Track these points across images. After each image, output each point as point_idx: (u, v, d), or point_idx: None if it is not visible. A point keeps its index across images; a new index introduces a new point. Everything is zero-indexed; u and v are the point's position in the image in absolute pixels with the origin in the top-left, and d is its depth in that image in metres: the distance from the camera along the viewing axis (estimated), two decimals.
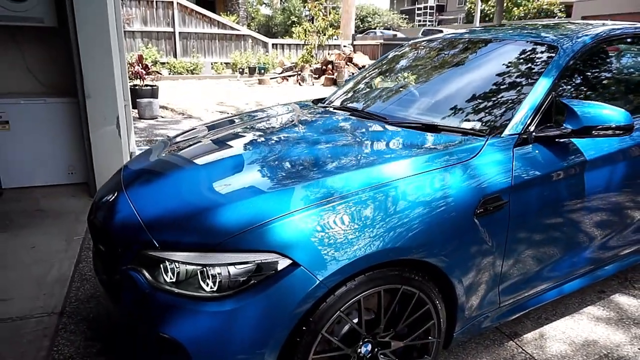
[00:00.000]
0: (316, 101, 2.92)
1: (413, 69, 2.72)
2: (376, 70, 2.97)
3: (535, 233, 1.87)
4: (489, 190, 1.67)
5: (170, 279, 1.42)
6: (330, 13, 16.39)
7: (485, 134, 1.86)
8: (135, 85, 7.49)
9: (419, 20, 42.85)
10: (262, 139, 2.22)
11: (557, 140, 1.87)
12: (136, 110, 7.18)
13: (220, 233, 1.41)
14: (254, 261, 1.35)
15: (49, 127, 3.92)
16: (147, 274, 1.46)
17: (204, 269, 1.37)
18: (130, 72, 7.27)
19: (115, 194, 1.84)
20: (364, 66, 13.92)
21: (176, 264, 1.41)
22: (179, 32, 14.88)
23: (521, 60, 2.17)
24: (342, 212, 1.45)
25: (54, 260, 2.73)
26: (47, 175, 4.04)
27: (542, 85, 1.93)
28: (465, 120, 2.01)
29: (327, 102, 2.83)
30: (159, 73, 8.09)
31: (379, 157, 1.76)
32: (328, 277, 1.36)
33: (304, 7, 25.32)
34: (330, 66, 14.34)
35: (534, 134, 1.84)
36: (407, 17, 39.78)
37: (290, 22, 25.89)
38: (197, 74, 14.64)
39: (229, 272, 1.35)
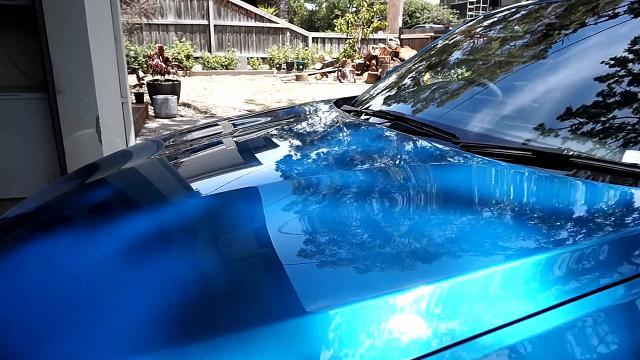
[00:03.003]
0: (341, 102, 1.95)
1: (494, 54, 1.70)
2: (433, 57, 1.97)
3: None
4: None
5: None
6: (376, 3, 15.31)
7: None
8: (155, 80, 6.79)
9: (470, 16, 40.81)
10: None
11: None
12: (153, 108, 6.48)
13: None
14: None
15: (24, 128, 3.23)
16: None
17: None
18: (148, 66, 6.59)
19: None
20: None
21: None
22: (214, 25, 14.22)
23: None
24: None
25: None
26: (24, 185, 3.38)
27: None
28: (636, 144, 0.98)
29: (358, 103, 1.86)
30: (179, 67, 7.33)
31: (465, 249, 0.74)
32: None
33: (350, 2, 24.34)
34: (374, 61, 13.30)
35: None
36: (457, 12, 37.92)
37: (333, 16, 24.98)
38: (232, 69, 13.97)
39: None
